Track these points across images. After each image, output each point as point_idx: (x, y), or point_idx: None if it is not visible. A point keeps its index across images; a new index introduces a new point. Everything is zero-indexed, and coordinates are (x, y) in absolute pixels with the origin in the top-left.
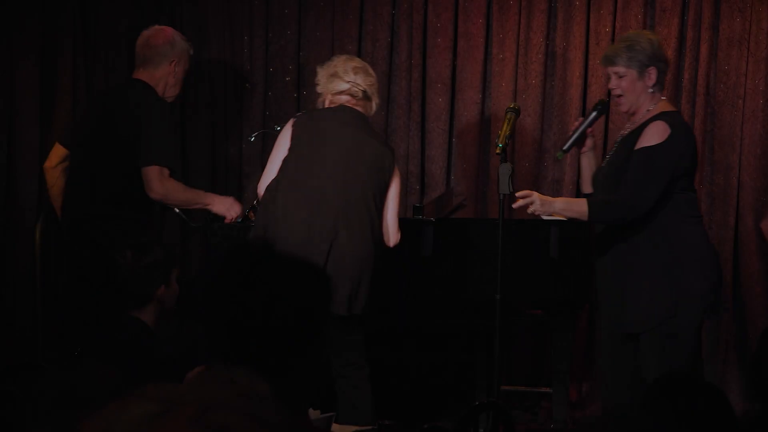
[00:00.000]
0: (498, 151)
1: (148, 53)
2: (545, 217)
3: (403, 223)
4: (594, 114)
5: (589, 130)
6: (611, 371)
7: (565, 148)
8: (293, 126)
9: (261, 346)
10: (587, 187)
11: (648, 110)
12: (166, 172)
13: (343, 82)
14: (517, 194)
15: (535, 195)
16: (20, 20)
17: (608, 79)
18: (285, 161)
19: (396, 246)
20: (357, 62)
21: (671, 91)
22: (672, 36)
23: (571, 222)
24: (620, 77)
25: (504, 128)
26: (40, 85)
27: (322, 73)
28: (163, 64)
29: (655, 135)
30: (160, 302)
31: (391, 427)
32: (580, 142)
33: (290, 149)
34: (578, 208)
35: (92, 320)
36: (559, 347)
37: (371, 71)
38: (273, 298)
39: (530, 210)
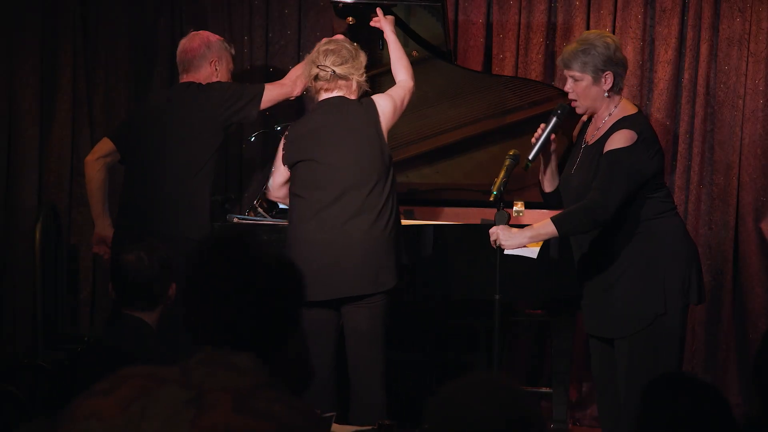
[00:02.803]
0: (491, 198)
1: (186, 58)
2: (513, 252)
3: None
4: (555, 120)
5: (552, 136)
6: (601, 375)
7: (530, 157)
8: (284, 151)
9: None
10: (545, 186)
11: (609, 114)
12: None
13: (314, 67)
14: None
15: (499, 228)
16: (20, 20)
17: (565, 81)
18: (291, 184)
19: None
20: (331, 44)
21: (671, 91)
22: (672, 36)
23: None
24: (575, 81)
25: (500, 175)
26: (40, 85)
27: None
28: (204, 66)
29: (621, 141)
30: (169, 300)
31: (391, 427)
32: (545, 148)
33: (291, 178)
34: (546, 230)
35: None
36: (559, 347)
37: (345, 52)
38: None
39: (498, 244)
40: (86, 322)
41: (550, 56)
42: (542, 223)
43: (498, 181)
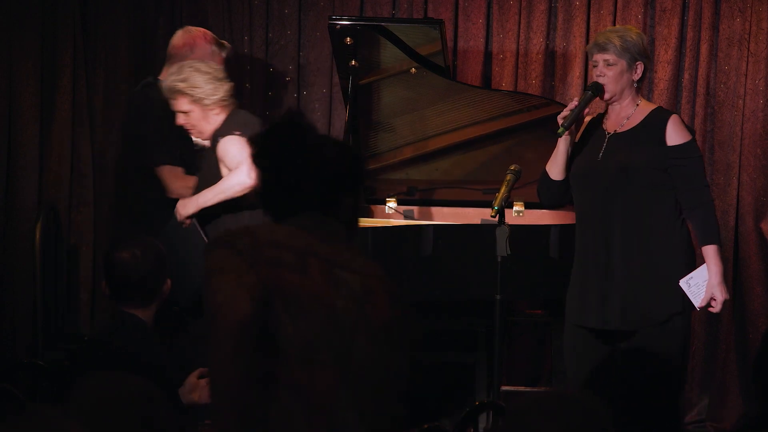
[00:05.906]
0: (493, 213)
1: (169, 53)
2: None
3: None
4: (589, 93)
5: (585, 110)
6: (579, 371)
7: (566, 124)
8: None
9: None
10: (557, 174)
11: (637, 104)
12: (179, 170)
13: (225, 83)
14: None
15: (716, 290)
16: (20, 20)
17: (595, 65)
18: None
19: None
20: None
21: (671, 91)
22: (672, 36)
23: (571, 222)
24: (609, 65)
25: (501, 191)
26: (40, 85)
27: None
28: None
29: (686, 131)
30: (163, 296)
31: None
32: (577, 121)
33: None
34: (718, 256)
35: None
36: (559, 347)
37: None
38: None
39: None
40: (86, 322)
41: (550, 56)
42: (710, 256)
43: (499, 196)
